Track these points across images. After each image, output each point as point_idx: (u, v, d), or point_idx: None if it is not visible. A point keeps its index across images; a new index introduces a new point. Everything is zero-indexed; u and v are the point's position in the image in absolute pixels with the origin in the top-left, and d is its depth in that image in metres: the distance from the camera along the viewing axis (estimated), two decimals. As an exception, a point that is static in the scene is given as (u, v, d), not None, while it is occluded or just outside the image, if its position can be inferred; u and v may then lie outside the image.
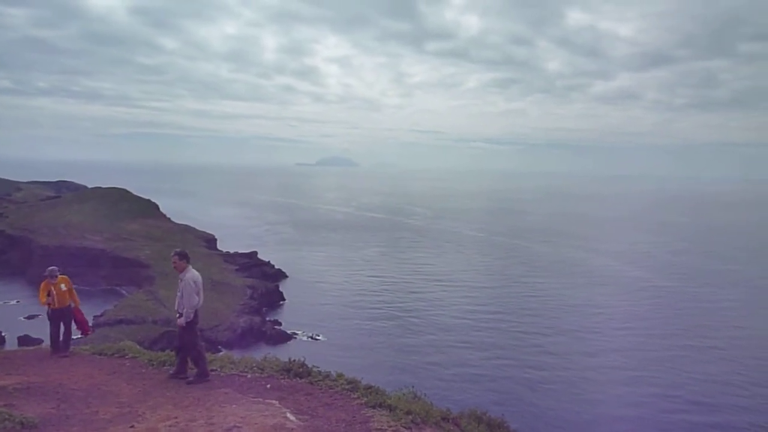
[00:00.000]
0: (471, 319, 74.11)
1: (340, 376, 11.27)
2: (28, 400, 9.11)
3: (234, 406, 9.09)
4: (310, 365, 11.75)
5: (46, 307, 13.28)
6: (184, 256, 10.89)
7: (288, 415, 8.83)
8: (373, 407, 9.65)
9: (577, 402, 48.79)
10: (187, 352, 10.86)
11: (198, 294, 10.68)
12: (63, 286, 13.28)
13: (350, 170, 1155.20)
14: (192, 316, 10.59)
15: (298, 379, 11.09)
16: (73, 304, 13.45)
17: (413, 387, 11.68)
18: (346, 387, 10.61)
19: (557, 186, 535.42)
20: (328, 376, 11.32)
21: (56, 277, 13.24)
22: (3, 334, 58.72)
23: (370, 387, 10.66)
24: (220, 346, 60.34)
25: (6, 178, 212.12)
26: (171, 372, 11.00)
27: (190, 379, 10.73)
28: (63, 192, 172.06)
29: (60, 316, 13.29)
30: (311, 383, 10.90)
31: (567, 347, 63.28)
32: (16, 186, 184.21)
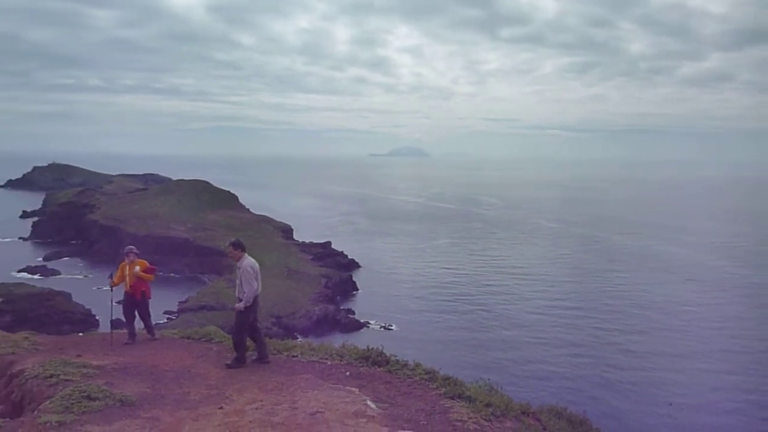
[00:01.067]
0: (546, 314, 72.19)
1: (417, 365, 11.28)
2: (126, 380, 9.67)
3: (315, 391, 9.28)
4: (387, 354, 11.85)
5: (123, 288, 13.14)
6: (238, 245, 11.05)
7: (368, 402, 8.92)
8: (452, 398, 9.58)
9: (660, 405, 46.43)
10: (234, 336, 11.16)
11: (256, 280, 10.84)
12: (137, 269, 12.92)
13: (422, 160, 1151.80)
14: (251, 301, 10.79)
15: (376, 367, 11.19)
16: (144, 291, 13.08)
17: (489, 380, 11.52)
18: (424, 377, 10.60)
19: (639, 174, 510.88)
20: (406, 365, 11.36)
21: (131, 256, 12.96)
22: (97, 317, 62.81)
23: (449, 378, 10.60)
24: (296, 333, 62.07)
25: (98, 171, 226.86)
26: (254, 357, 11.34)
27: (229, 362, 10.98)
28: (150, 184, 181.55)
29: (129, 298, 13.08)
30: (389, 372, 10.97)
31: (650, 346, 60.22)
32: (108, 179, 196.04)
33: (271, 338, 13.87)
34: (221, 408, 8.36)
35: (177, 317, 65.35)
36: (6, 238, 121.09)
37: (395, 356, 11.71)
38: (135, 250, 13.17)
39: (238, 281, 10.84)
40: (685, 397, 47.98)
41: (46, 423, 7.16)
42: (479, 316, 71.36)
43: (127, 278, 12.84)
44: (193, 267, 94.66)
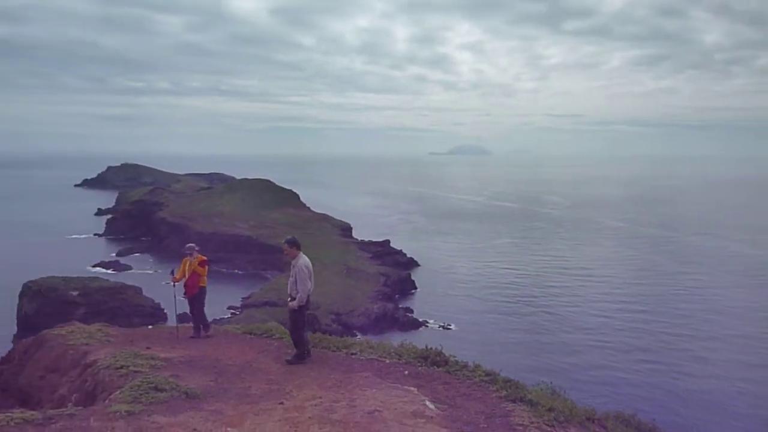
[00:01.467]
0: (612, 317, 69.65)
1: (477, 367, 11.05)
2: (191, 373, 9.95)
3: (374, 390, 9.24)
4: (446, 354, 11.68)
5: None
6: (293, 244, 11.11)
7: (427, 403, 8.80)
8: (513, 401, 9.33)
9: (736, 417, 43.87)
10: (291, 333, 11.22)
11: (310, 279, 10.90)
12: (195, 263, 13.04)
13: (483, 158, 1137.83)
14: (305, 300, 10.85)
15: (435, 367, 11.04)
16: (203, 286, 13.15)
17: (551, 383, 11.16)
18: (485, 379, 10.37)
19: (713, 171, 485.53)
20: (465, 366, 11.16)
21: (193, 254, 13.08)
22: (165, 311, 65.38)
23: (509, 380, 10.33)
24: (355, 330, 62.60)
25: (167, 170, 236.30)
26: (288, 359, 11.22)
27: (289, 358, 11.01)
28: (215, 183, 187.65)
29: (186, 292, 13.22)
30: (448, 372, 10.81)
31: (724, 354, 56.92)
32: (176, 178, 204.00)
33: (330, 335, 13.96)
34: (281, 403, 8.45)
35: (240, 312, 67.26)
36: (82, 234, 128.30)
37: (454, 357, 11.53)
38: (195, 247, 13.35)
39: (292, 279, 10.89)
40: (764, 409, 45.18)
41: (115, 412, 7.44)
42: (541, 318, 69.70)
43: (186, 274, 13.07)
44: (255, 264, 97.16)
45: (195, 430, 7.28)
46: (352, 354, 11.80)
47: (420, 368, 10.93)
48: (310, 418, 7.89)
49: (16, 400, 11.95)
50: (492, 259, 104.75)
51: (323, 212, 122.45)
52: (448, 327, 67.26)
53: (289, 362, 10.89)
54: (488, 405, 9.06)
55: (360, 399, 8.72)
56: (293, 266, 10.94)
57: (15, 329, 62.34)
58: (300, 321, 11.05)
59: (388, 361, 11.29)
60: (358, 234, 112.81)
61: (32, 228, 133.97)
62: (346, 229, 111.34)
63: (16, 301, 64.89)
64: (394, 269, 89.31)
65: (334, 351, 12.08)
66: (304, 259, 11.00)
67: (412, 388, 9.50)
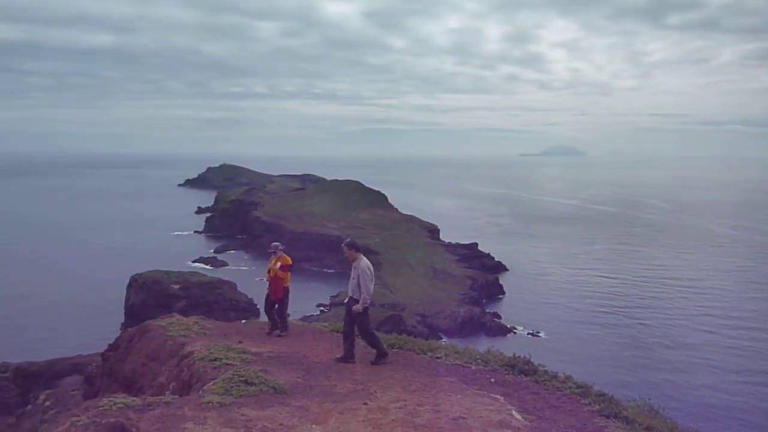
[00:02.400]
0: (719, 333, 64.52)
1: (568, 378, 10.57)
2: (279, 368, 10.19)
3: (459, 396, 9.05)
4: (535, 363, 11.27)
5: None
6: (352, 246, 10.98)
7: (513, 412, 8.50)
8: (607, 417, 8.82)
9: None
10: (363, 336, 11.04)
11: (371, 282, 10.80)
12: (277, 264, 12.96)
13: (577, 160, 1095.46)
14: (368, 302, 10.76)
15: (522, 376, 10.68)
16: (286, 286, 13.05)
17: (649, 401, 10.44)
18: (576, 391, 9.89)
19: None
20: (555, 376, 10.71)
21: (277, 252, 13.04)
22: (257, 306, 67.95)
23: (603, 394, 9.79)
24: (440, 333, 62.24)
25: (262, 171, 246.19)
26: (338, 357, 11.05)
27: (372, 360, 10.87)
28: (307, 184, 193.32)
29: (270, 295, 13.17)
30: (537, 382, 10.42)
31: None
32: (270, 179, 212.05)
33: (414, 337, 13.87)
34: (366, 404, 8.46)
35: (329, 310, 68.82)
36: (184, 231, 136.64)
37: (543, 366, 11.10)
38: (280, 246, 13.30)
39: (354, 281, 10.82)
40: None
41: (208, 403, 7.75)
42: (639, 332, 65.92)
43: (269, 273, 13.06)
44: (344, 263, 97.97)
45: (281, 425, 7.42)
46: (437, 358, 11.64)
47: (507, 376, 10.61)
48: (393, 420, 7.84)
49: (120, 385, 12.81)
50: (586, 266, 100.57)
51: (411, 213, 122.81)
52: (537, 334, 65.32)
53: (373, 363, 10.87)
54: (579, 419, 8.62)
55: (445, 404, 8.57)
56: (355, 268, 10.84)
57: (123, 318, 67.36)
58: (367, 322, 10.98)
59: (473, 367, 11.05)
60: (445, 236, 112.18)
61: (140, 224, 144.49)
62: (433, 231, 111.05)
63: (125, 291, 70.02)
64: (482, 273, 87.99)
65: (419, 354, 11.98)
66: (365, 261, 10.90)
67: (498, 397, 9.23)
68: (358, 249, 10.99)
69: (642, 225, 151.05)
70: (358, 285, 10.69)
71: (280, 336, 12.91)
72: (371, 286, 10.73)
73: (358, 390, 9.23)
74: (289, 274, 13.09)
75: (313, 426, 7.49)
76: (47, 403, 26.43)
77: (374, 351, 11.06)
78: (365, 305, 10.70)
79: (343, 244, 11.16)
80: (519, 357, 11.37)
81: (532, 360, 11.21)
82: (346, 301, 11.41)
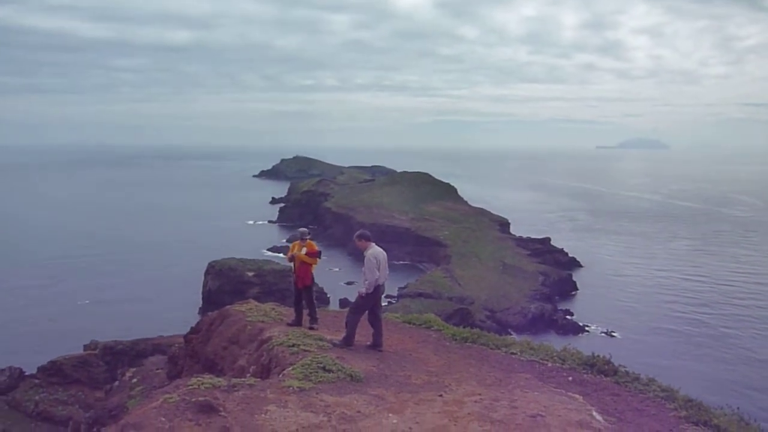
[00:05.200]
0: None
1: (651, 381, 10.14)
2: (354, 356, 10.35)
3: (536, 393, 8.88)
4: (615, 363, 10.88)
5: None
6: (360, 236, 11.36)
7: (594, 413, 8.24)
8: (695, 424, 8.40)
9: None
10: (348, 314, 11.29)
11: (378, 269, 10.87)
12: (303, 251, 12.23)
13: (658, 153, 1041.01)
14: (372, 289, 10.85)
15: (602, 376, 10.34)
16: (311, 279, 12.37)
17: (738, 409, 9.83)
18: (660, 395, 9.48)
19: None
20: (637, 378, 10.30)
21: (305, 239, 12.36)
22: (328, 296, 69.38)
23: (691, 400, 9.31)
24: (510, 329, 61.27)
25: (333, 163, 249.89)
26: (368, 343, 11.23)
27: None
28: (376, 176, 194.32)
29: (297, 283, 12.42)
30: (617, 383, 10.06)
31: None
32: (340, 170, 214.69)
33: (488, 332, 13.70)
34: (441, 396, 8.46)
35: (397, 302, 69.21)
36: (259, 220, 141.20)
37: (624, 367, 10.69)
38: (307, 233, 12.71)
39: (363, 269, 11.05)
40: None
41: (288, 387, 7.99)
42: (726, 334, 62.22)
43: (295, 261, 12.39)
44: (412, 255, 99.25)
45: (359, 412, 7.54)
46: (512, 354, 11.47)
47: (585, 376, 10.30)
48: (469, 414, 7.79)
49: (202, 366, 13.41)
50: (666, 264, 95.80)
51: (481, 207, 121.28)
52: (613, 334, 63.05)
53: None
54: (664, 424, 8.27)
55: (521, 400, 8.43)
56: (364, 256, 11.07)
57: (200, 302, 70.56)
58: (361, 307, 11.14)
59: (550, 365, 10.81)
60: (516, 230, 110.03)
61: (218, 213, 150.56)
62: (503, 225, 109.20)
63: (202, 277, 73.25)
64: (554, 268, 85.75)
65: (492, 349, 11.84)
66: (373, 250, 11.06)
67: (576, 396, 8.98)
68: (368, 239, 11.27)
69: (730, 222, 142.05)
70: (364, 273, 10.97)
71: (311, 329, 12.15)
72: (377, 274, 10.83)
73: (432, 382, 9.23)
74: (317, 261, 12.59)
75: (390, 415, 7.56)
76: (134, 380, 28.09)
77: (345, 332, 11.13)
78: (368, 291, 10.85)
79: (354, 237, 11.55)
80: (598, 356, 11.01)
81: (612, 360, 10.82)
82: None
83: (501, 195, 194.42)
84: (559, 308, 71.08)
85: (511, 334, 50.57)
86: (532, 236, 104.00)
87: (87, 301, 74.76)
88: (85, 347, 45.23)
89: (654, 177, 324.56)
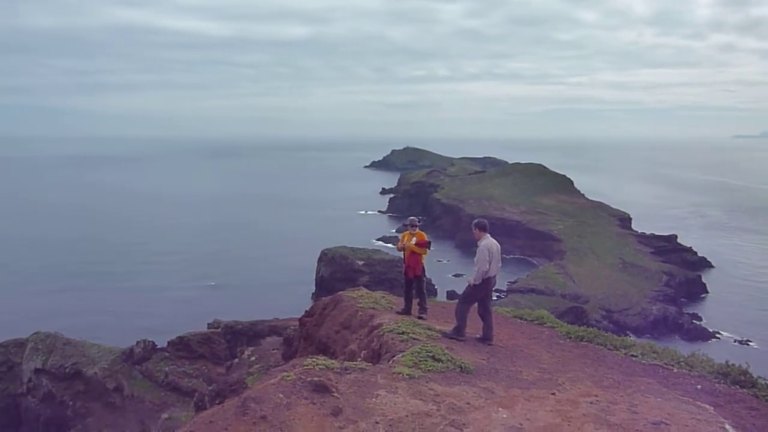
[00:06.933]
0: None
1: (796, 396, 9.10)
2: (463, 348, 10.26)
3: (659, 399, 8.30)
4: (753, 375, 9.88)
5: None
6: (477, 225, 11.18)
7: (727, 426, 7.56)
8: None
9: None
10: (457, 305, 11.21)
11: (489, 262, 10.64)
12: (413, 240, 12.12)
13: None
14: (480, 280, 10.68)
15: (737, 387, 9.43)
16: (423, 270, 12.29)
17: None
18: (807, 413, 8.48)
19: None
20: (779, 392, 9.28)
21: (414, 227, 12.26)
22: (436, 287, 69.45)
23: None
24: (628, 331, 57.98)
25: (443, 154, 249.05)
26: (478, 336, 11.05)
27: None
28: (487, 167, 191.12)
29: (407, 272, 12.34)
30: (755, 396, 9.12)
31: None
32: (450, 161, 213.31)
33: (606, 332, 13.00)
34: (553, 394, 8.16)
35: (506, 296, 67.88)
36: (369, 210, 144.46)
37: (764, 379, 9.67)
38: (417, 222, 12.59)
39: (475, 258, 10.95)
40: None
41: (399, 374, 8.09)
42: None
43: (405, 250, 12.28)
44: (524, 249, 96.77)
45: (468, 403, 7.46)
46: (632, 356, 10.81)
47: (717, 385, 9.45)
48: (584, 415, 7.45)
49: (315, 349, 13.94)
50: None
51: (599, 200, 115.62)
52: (747, 343, 57.72)
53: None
54: (811, 445, 7.39)
55: (642, 406, 7.92)
56: (477, 246, 10.99)
57: (313, 288, 73.60)
58: (470, 297, 11.01)
59: (675, 370, 10.05)
60: (638, 226, 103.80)
61: (330, 203, 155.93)
62: (624, 220, 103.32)
63: (315, 264, 76.28)
64: (681, 269, 79.97)
65: (610, 349, 11.24)
66: (486, 241, 10.86)
67: (706, 406, 8.28)
68: (483, 228, 11.10)
69: None
70: (475, 263, 10.90)
71: (420, 318, 12.05)
72: (487, 266, 10.64)
73: (545, 379, 8.94)
74: (427, 251, 12.42)
75: (500, 409, 7.41)
76: (252, 358, 29.87)
77: (455, 325, 11.09)
78: (476, 282, 10.74)
79: (472, 224, 11.41)
80: (733, 365, 10.06)
81: (749, 371, 9.84)
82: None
83: (622, 188, 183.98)
84: (685, 311, 66.32)
85: (628, 335, 47.82)
86: (657, 233, 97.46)
87: (212, 283, 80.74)
88: (209, 325, 48.75)
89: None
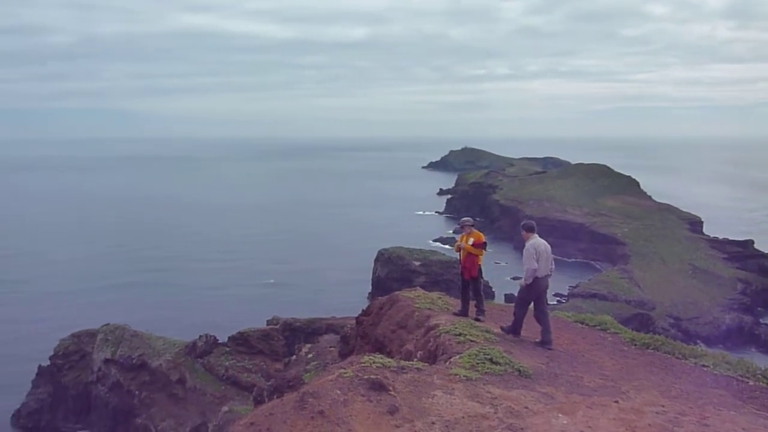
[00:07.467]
0: None
1: None
2: (522, 352, 10.06)
3: (732, 412, 7.86)
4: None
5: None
6: (524, 227, 11.33)
7: (808, 444, 7.06)
8: None
9: None
10: (514, 306, 11.32)
11: (537, 260, 10.64)
12: (470, 241, 12.01)
13: None
14: (530, 280, 10.72)
15: (820, 405, 8.82)
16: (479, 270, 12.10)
17: None
18: None
19: None
20: None
21: (469, 228, 12.14)
22: (493, 289, 68.44)
23: None
24: (698, 340, 55.38)
25: (502, 155, 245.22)
26: (537, 340, 10.93)
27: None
28: (548, 167, 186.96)
29: (464, 273, 12.25)
30: (842, 416, 8.50)
31: None
32: (509, 162, 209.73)
33: (675, 340, 12.43)
34: (617, 402, 7.87)
35: (566, 301, 66.19)
36: (426, 211, 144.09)
37: None
38: (470, 222, 12.41)
39: (522, 259, 11.13)
40: None
41: (455, 375, 8.01)
42: None
43: (461, 252, 12.25)
44: (586, 253, 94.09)
45: (527, 408, 7.29)
46: (703, 366, 10.30)
47: (797, 400, 8.85)
48: (650, 425, 7.14)
49: (372, 347, 13.99)
50: None
51: (667, 202, 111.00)
52: (830, 355, 53.98)
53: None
54: None
55: (713, 419, 7.51)
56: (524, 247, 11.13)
57: (370, 288, 74.03)
58: (523, 299, 11.08)
59: (751, 383, 9.50)
60: (710, 230, 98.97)
61: (388, 203, 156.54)
62: (694, 224, 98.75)
63: (372, 264, 76.75)
64: (758, 276, 75.83)
65: (678, 358, 10.74)
66: (533, 241, 10.92)
67: (785, 422, 7.76)
68: (529, 229, 11.20)
69: None
70: (523, 263, 10.99)
71: (477, 320, 11.90)
72: (534, 265, 10.65)
73: (607, 386, 8.64)
74: (483, 252, 12.25)
75: (560, 415, 7.21)
76: (309, 355, 30.32)
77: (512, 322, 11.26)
78: (526, 282, 10.83)
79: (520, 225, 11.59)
80: (816, 380, 9.42)
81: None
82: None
83: (693, 190, 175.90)
84: (762, 322, 62.69)
85: (697, 344, 45.63)
86: (731, 237, 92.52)
87: (272, 281, 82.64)
88: (268, 322, 49.95)
89: None
